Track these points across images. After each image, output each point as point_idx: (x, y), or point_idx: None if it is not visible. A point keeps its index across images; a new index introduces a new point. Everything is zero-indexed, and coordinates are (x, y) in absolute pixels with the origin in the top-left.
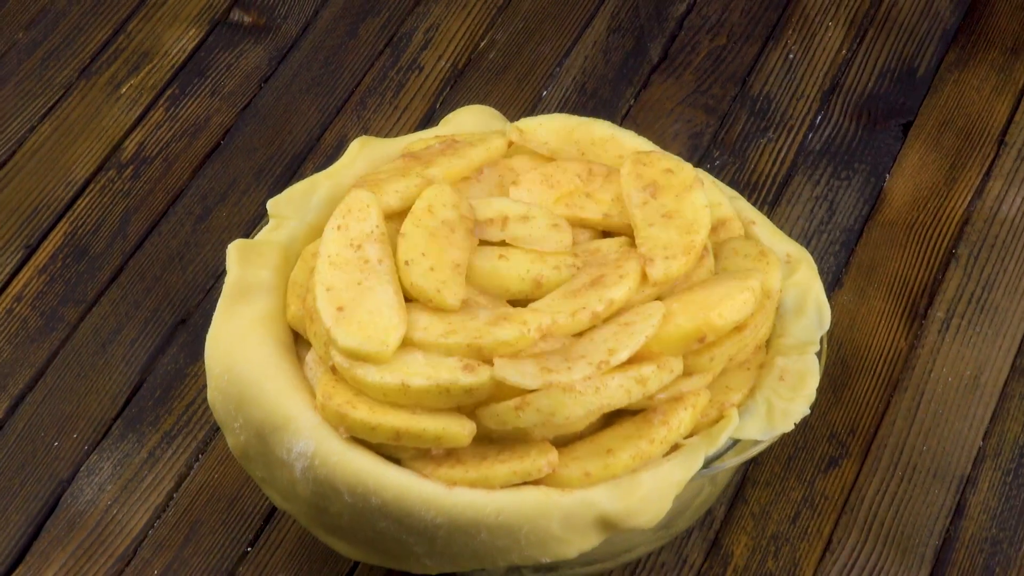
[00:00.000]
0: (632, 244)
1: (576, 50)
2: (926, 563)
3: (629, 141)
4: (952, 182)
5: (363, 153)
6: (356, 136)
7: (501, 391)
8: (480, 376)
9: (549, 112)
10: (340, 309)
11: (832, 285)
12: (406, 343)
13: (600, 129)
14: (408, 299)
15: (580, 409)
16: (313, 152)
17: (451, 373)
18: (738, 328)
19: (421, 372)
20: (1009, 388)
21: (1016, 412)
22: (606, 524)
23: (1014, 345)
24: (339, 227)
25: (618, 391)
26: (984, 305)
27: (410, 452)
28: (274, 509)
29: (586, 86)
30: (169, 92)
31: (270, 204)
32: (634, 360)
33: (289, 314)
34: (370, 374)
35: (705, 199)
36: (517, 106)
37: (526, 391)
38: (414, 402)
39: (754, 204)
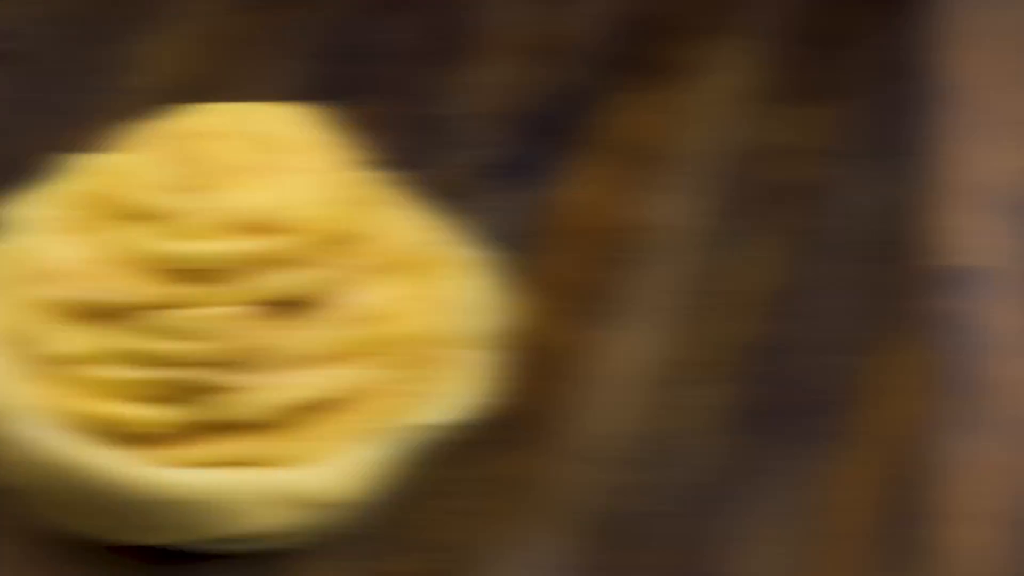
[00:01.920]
0: None
1: None
2: (589, 533)
3: None
4: (616, 194)
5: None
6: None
7: (208, 384)
8: (169, 372)
9: None
10: None
11: (507, 287)
12: None
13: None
14: None
15: (281, 403)
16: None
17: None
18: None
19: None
20: (665, 378)
21: (671, 400)
22: (302, 501)
23: (672, 339)
24: None
25: (314, 389)
26: (643, 303)
27: (123, 437)
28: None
29: None
30: None
31: None
32: (331, 359)
33: None
34: (77, 370)
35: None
36: None
37: (231, 388)
38: (122, 394)
39: (438, 217)
